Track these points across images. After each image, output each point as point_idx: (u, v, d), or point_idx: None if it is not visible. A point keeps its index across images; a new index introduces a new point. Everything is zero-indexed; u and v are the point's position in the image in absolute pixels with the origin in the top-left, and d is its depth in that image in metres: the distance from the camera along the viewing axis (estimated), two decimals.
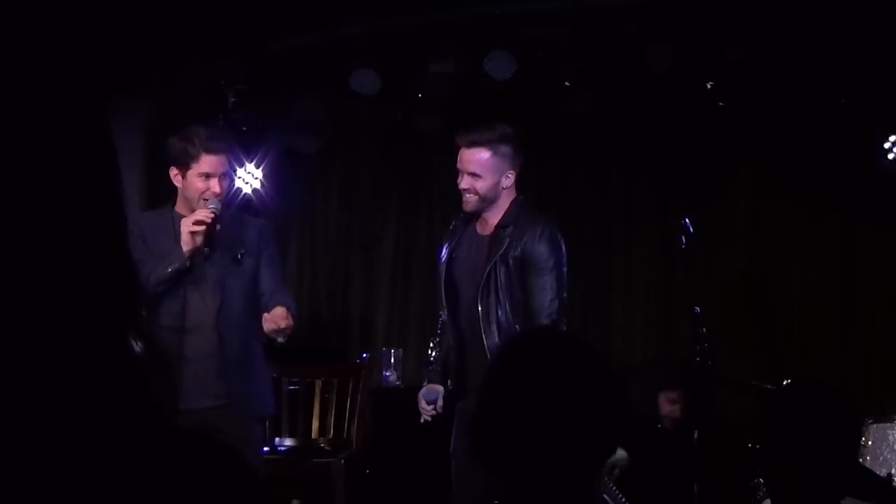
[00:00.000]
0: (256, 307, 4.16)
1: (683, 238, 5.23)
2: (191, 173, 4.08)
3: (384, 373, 6.36)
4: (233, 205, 4.46)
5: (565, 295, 4.24)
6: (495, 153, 4.24)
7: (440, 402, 4.33)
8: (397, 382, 6.36)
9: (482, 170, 4.22)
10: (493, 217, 4.30)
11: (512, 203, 4.29)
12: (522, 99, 6.76)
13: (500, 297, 4.20)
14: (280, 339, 4.12)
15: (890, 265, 6.31)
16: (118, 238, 0.79)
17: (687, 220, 5.28)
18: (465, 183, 4.25)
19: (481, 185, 4.22)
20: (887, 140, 6.10)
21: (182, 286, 4.08)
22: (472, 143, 4.24)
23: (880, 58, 5.86)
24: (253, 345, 4.21)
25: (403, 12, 6.38)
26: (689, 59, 6.13)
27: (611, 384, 1.70)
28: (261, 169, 7.03)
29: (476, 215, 4.35)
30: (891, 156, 6.11)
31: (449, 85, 6.62)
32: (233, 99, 6.68)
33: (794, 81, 6.02)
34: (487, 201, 4.26)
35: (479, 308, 4.21)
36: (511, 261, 4.18)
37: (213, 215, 4.00)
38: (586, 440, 1.64)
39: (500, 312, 4.20)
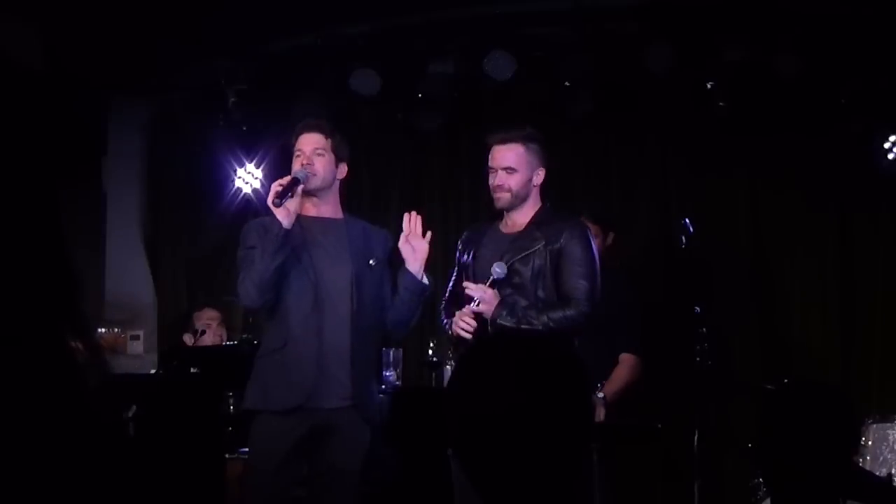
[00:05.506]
0: (382, 315, 4.30)
1: (683, 238, 5.24)
2: (294, 157, 4.32)
3: (384, 373, 6.35)
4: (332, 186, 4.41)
5: (598, 284, 4.32)
6: (528, 148, 4.37)
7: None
8: (397, 382, 6.35)
9: (517, 164, 4.34)
10: (521, 217, 4.40)
11: (541, 207, 4.42)
12: (522, 99, 6.76)
13: (521, 292, 4.26)
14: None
15: (890, 265, 6.30)
16: (52, 239, 0.81)
17: (687, 220, 5.29)
18: (498, 179, 4.34)
19: (515, 181, 4.33)
20: (887, 140, 6.09)
21: (308, 288, 4.13)
22: (505, 140, 4.37)
23: (880, 58, 5.86)
24: (374, 352, 4.38)
25: (403, 12, 6.38)
26: (689, 59, 6.13)
27: (584, 383, 1.72)
28: (261, 169, 7.03)
29: (500, 216, 4.44)
30: (891, 156, 6.10)
31: (449, 85, 6.62)
32: (233, 99, 6.68)
33: (794, 81, 6.02)
34: (519, 198, 4.36)
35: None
36: (549, 254, 4.27)
37: (292, 177, 4.17)
38: (561, 438, 1.65)
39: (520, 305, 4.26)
